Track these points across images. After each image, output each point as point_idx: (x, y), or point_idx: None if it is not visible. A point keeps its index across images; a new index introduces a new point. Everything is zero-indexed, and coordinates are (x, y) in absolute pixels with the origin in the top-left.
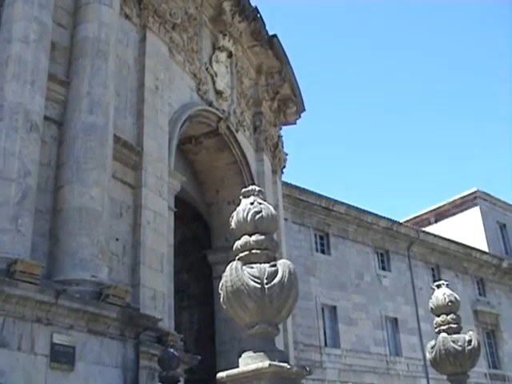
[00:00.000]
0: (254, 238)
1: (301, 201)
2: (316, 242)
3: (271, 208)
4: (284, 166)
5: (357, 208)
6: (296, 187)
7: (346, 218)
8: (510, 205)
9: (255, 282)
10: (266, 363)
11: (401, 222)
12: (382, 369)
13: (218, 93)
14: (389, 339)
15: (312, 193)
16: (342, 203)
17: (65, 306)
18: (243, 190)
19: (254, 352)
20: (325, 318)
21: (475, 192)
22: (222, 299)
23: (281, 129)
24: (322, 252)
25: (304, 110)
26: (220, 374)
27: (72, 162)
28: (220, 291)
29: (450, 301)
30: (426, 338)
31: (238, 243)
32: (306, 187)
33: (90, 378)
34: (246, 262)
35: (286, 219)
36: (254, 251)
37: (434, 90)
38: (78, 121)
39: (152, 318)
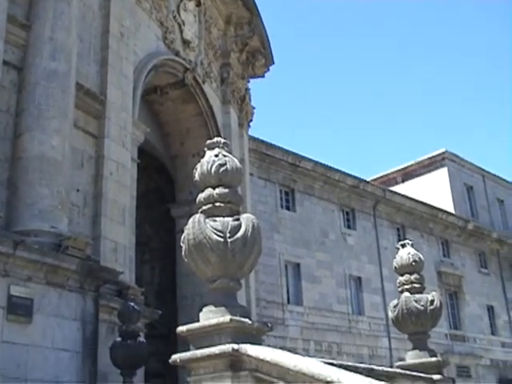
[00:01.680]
0: (217, 190)
1: (267, 156)
2: (281, 198)
3: (236, 161)
4: (251, 120)
5: (324, 165)
6: (263, 142)
7: (313, 175)
8: (478, 167)
9: (218, 235)
10: (227, 318)
11: (368, 180)
12: (344, 327)
13: (186, 42)
14: (352, 298)
15: (279, 148)
16: (309, 159)
17: (23, 258)
18: (208, 141)
19: (216, 306)
20: (288, 276)
21: (443, 153)
22: (183, 252)
23: (249, 81)
24: (287, 208)
25: (273, 63)
26: (180, 328)
27: (32, 109)
28: (182, 244)
29: (414, 260)
30: (389, 298)
31: (201, 196)
32: (272, 142)
33: (48, 330)
34: (209, 215)
35: (251, 174)
36: (217, 204)
37: (406, 48)
38: (40, 67)
39: (112, 271)
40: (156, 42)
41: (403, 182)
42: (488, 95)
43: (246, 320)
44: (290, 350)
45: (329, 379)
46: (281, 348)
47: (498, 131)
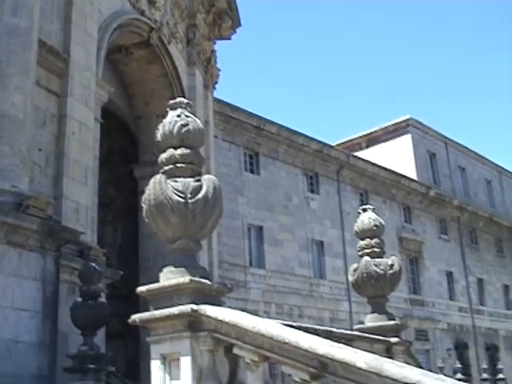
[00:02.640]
0: (179, 151)
1: (232, 118)
2: (245, 161)
3: (198, 122)
4: (216, 82)
5: (288, 129)
6: (228, 104)
7: (277, 139)
8: (441, 134)
9: (179, 196)
10: (187, 278)
11: (332, 145)
12: (305, 291)
13: (151, 2)
14: (314, 262)
15: (243, 111)
16: (274, 123)
17: None
18: (170, 101)
19: (175, 267)
20: (251, 238)
21: (408, 119)
22: (144, 213)
23: (215, 43)
24: (251, 171)
25: (240, 25)
26: (140, 289)
27: None
28: (143, 205)
29: (375, 225)
30: (350, 262)
31: (162, 156)
32: (237, 105)
33: (8, 290)
34: (171, 175)
35: (216, 136)
36: (178, 165)
37: (372, 14)
38: (0, 23)
39: (74, 231)
40: (121, 0)
41: (367, 147)
42: (453, 64)
43: (206, 281)
44: (251, 313)
45: (287, 340)
46: (242, 310)
47: (461, 100)
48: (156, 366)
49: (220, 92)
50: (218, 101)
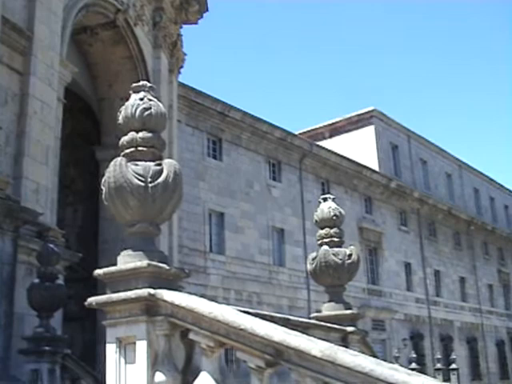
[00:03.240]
0: (140, 134)
1: (196, 103)
2: (208, 147)
3: (161, 105)
4: (182, 66)
5: (252, 116)
6: (192, 89)
7: (241, 125)
8: (404, 127)
9: (139, 179)
10: (145, 262)
11: (296, 133)
12: (264, 278)
13: None
14: (274, 249)
15: (208, 96)
16: (238, 109)
17: None
18: (133, 84)
19: (134, 251)
20: (212, 224)
21: (372, 111)
22: (103, 196)
23: (181, 27)
24: (214, 157)
25: (207, 10)
26: (97, 271)
27: None
28: (102, 187)
29: (335, 215)
30: (310, 251)
31: (123, 139)
32: (202, 90)
33: None
34: (131, 158)
35: (179, 121)
36: (139, 148)
37: (338, 3)
38: None
39: (33, 212)
40: None
41: (331, 137)
42: (418, 58)
43: (164, 265)
44: (210, 299)
45: (243, 327)
46: (201, 296)
47: (424, 93)
48: (111, 350)
49: (185, 77)
50: (182, 85)
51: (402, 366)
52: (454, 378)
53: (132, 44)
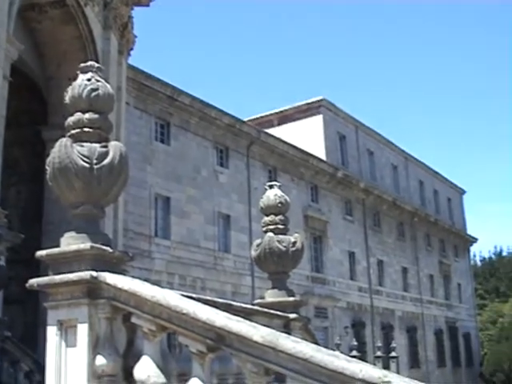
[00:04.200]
0: (87, 115)
1: (145, 86)
2: (156, 131)
3: (109, 87)
4: (132, 49)
5: (201, 101)
6: (142, 72)
7: (190, 110)
8: (352, 117)
9: (84, 161)
10: (88, 245)
11: (244, 120)
12: (209, 263)
13: None
14: (219, 235)
15: (157, 79)
16: (188, 94)
17: None
18: (81, 64)
19: (77, 233)
20: (157, 209)
21: (321, 100)
22: (48, 176)
23: (132, 9)
24: (162, 141)
25: None
26: (39, 253)
27: None
28: (47, 167)
29: (280, 202)
30: (255, 238)
31: (70, 119)
32: (152, 73)
33: None
34: (77, 139)
35: (127, 103)
36: (86, 129)
37: None
38: None
39: None
40: None
41: (279, 125)
42: (369, 51)
43: (107, 248)
44: (154, 283)
45: (185, 311)
46: (146, 280)
47: (374, 85)
48: (52, 333)
49: (135, 59)
50: (132, 68)
51: (343, 353)
52: (393, 365)
53: (82, 24)
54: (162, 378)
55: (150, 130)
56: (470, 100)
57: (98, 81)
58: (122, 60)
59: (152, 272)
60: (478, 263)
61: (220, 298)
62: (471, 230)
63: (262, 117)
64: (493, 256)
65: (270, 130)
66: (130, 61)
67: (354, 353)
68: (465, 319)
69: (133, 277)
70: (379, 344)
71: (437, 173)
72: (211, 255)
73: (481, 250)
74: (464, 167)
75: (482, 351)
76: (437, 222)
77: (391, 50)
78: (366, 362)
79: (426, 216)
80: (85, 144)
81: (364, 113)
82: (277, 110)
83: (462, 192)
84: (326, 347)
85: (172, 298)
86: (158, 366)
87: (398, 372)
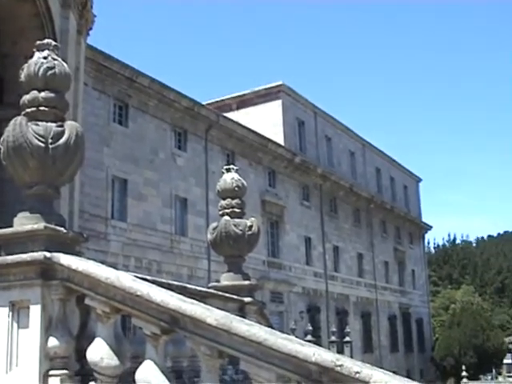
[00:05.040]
0: (43, 94)
1: (104, 67)
2: (114, 112)
3: (65, 65)
4: (91, 28)
5: (160, 83)
6: (101, 52)
7: (148, 92)
8: (311, 103)
9: (39, 140)
10: (42, 225)
11: (203, 103)
12: (165, 247)
13: None
14: (176, 218)
15: (116, 60)
16: (146, 76)
17: None
18: (38, 42)
19: (31, 213)
20: (114, 191)
21: (280, 85)
22: (1, 155)
23: None
24: (120, 123)
25: None
26: None
27: None
28: (1, 146)
29: (237, 186)
30: (212, 221)
31: (25, 98)
32: (111, 54)
33: None
34: (32, 118)
35: (86, 84)
36: (41, 108)
37: None
38: None
39: None
40: None
41: (238, 109)
42: (331, 38)
43: (61, 229)
44: (110, 265)
45: (139, 293)
46: (101, 262)
47: (333, 70)
48: (4, 314)
49: (94, 39)
50: (91, 48)
51: (298, 337)
52: (347, 350)
53: (40, 1)
54: (116, 360)
55: (108, 111)
56: (429, 88)
57: (54, 59)
58: (80, 40)
59: (108, 254)
60: (432, 250)
61: (176, 281)
62: (426, 218)
63: (221, 100)
64: (446, 243)
65: (229, 114)
66: (89, 41)
67: (309, 337)
68: (418, 305)
69: (88, 258)
70: (334, 329)
71: (394, 160)
72: (168, 238)
73: (435, 238)
74: (421, 156)
75: (433, 337)
76: (392, 209)
77: (351, 37)
78: (321, 346)
79: (382, 203)
80: (40, 123)
81: (323, 99)
82: (236, 94)
83: (418, 180)
84: (282, 332)
85: (126, 280)
86: (112, 348)
87: (351, 356)
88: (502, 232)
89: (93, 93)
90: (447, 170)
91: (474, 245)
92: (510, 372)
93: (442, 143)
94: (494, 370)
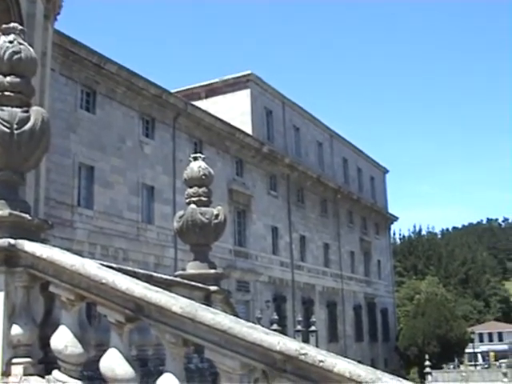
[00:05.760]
0: (8, 79)
1: (71, 53)
2: (82, 99)
3: (32, 50)
4: (58, 13)
5: (129, 70)
6: (68, 38)
7: (116, 79)
8: (280, 93)
9: (4, 125)
10: (6, 212)
11: (171, 91)
12: (132, 235)
13: None
14: (143, 206)
15: (84, 46)
16: (115, 62)
17: None
18: (3, 26)
19: None
20: (81, 178)
21: (249, 75)
22: None
23: None
24: (87, 110)
25: None
26: None
27: None
28: None
29: (204, 174)
30: (179, 210)
31: None
32: (79, 40)
33: None
34: None
35: (53, 70)
36: (6, 93)
37: None
38: None
39: None
40: None
41: (206, 98)
42: (300, 28)
43: (26, 215)
44: (75, 253)
45: (104, 281)
46: (67, 250)
47: (302, 61)
48: None
49: (62, 25)
50: (58, 33)
51: (264, 326)
52: (312, 339)
53: None
54: (80, 348)
55: (75, 97)
56: (397, 79)
57: (20, 44)
58: (48, 25)
59: (74, 242)
60: (398, 241)
61: (142, 269)
62: (392, 209)
63: (189, 89)
64: (412, 235)
65: (198, 103)
66: (57, 26)
67: (275, 326)
68: (383, 295)
69: (53, 246)
70: (299, 318)
71: (361, 151)
72: (134, 226)
73: (401, 229)
74: (389, 147)
75: (398, 326)
76: (359, 200)
77: (319, 29)
78: (287, 335)
79: (348, 193)
80: (5, 108)
81: (292, 89)
82: (205, 83)
83: (385, 171)
84: (248, 320)
85: (91, 267)
86: (76, 336)
87: (317, 346)
88: (466, 224)
89: (60, 78)
90: (415, 162)
91: (439, 236)
92: (471, 361)
93: (410, 135)
94: (456, 359)
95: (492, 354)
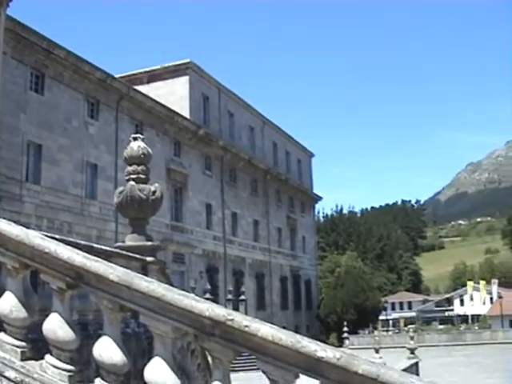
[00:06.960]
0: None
1: (22, 38)
2: (31, 81)
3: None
4: (11, 0)
5: (76, 55)
6: (20, 23)
7: (64, 63)
8: (216, 81)
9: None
10: None
11: (115, 76)
12: (76, 209)
13: None
14: (87, 183)
15: (34, 32)
16: (63, 48)
17: None
18: None
19: None
20: (29, 155)
21: (188, 63)
22: None
23: None
24: (36, 91)
25: None
26: None
27: None
28: None
29: (143, 153)
30: (120, 186)
31: None
32: (30, 25)
33: None
34: None
35: (4, 53)
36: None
37: None
38: None
39: None
40: None
41: (148, 83)
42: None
43: None
44: (23, 225)
45: (47, 250)
46: (15, 222)
47: (240, 50)
48: None
49: (14, 10)
50: (10, 19)
51: (197, 295)
52: (242, 307)
53: None
54: (24, 312)
55: (25, 79)
56: (328, 67)
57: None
58: (0, 11)
59: (21, 215)
60: (322, 219)
61: (85, 241)
62: (317, 190)
63: (132, 74)
64: (334, 214)
65: (140, 88)
66: (10, 12)
67: (208, 296)
68: (307, 268)
69: (1, 218)
70: (230, 288)
71: (290, 136)
72: (78, 201)
73: (324, 208)
74: (316, 134)
75: (320, 296)
76: (287, 181)
77: (258, 20)
78: (218, 304)
79: (277, 175)
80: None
81: (229, 77)
82: (147, 69)
83: (311, 155)
84: (183, 290)
85: (35, 238)
86: (21, 301)
87: (245, 313)
88: (383, 204)
89: (11, 62)
90: (340, 148)
91: (359, 215)
92: (384, 327)
93: (336, 123)
94: (370, 326)
95: (402, 320)
